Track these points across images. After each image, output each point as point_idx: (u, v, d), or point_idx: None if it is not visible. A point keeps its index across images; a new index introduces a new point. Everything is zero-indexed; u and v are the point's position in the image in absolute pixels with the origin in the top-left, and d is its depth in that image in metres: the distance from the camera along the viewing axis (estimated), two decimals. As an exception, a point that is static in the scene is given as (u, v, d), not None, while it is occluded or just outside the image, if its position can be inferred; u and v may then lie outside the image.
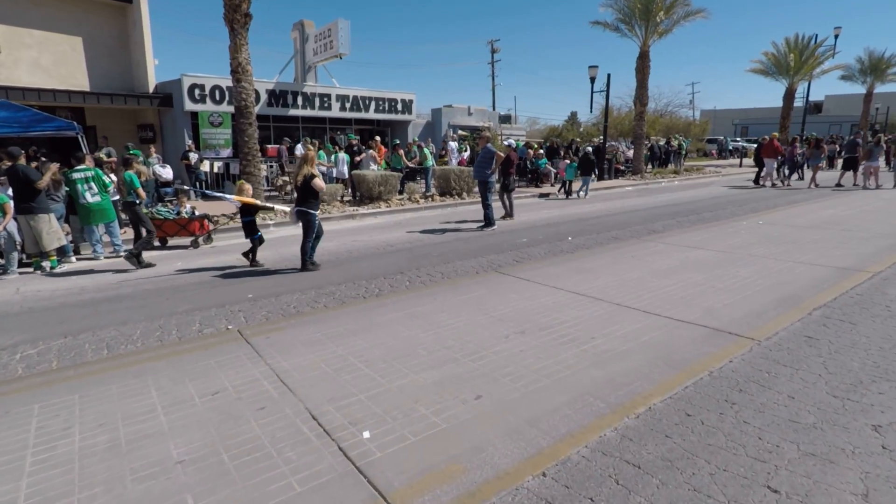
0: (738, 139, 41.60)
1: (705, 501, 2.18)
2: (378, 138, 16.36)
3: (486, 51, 41.80)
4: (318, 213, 6.75)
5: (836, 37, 27.47)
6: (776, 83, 27.51)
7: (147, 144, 15.23)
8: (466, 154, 18.78)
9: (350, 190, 14.17)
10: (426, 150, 15.86)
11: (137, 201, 7.75)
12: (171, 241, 9.11)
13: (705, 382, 3.22)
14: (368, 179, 13.04)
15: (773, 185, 16.20)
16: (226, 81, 15.83)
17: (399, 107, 20.96)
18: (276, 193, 14.81)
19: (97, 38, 16.75)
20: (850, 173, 15.45)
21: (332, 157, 14.68)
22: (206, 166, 15.68)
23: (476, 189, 15.10)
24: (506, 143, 11.94)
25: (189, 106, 16.11)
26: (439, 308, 4.88)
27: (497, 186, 10.66)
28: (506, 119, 25.23)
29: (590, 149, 15.86)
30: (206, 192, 8.39)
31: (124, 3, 16.88)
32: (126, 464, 2.58)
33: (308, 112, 18.78)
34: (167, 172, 13.83)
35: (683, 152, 24.09)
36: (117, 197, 10.19)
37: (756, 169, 17.52)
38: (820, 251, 6.81)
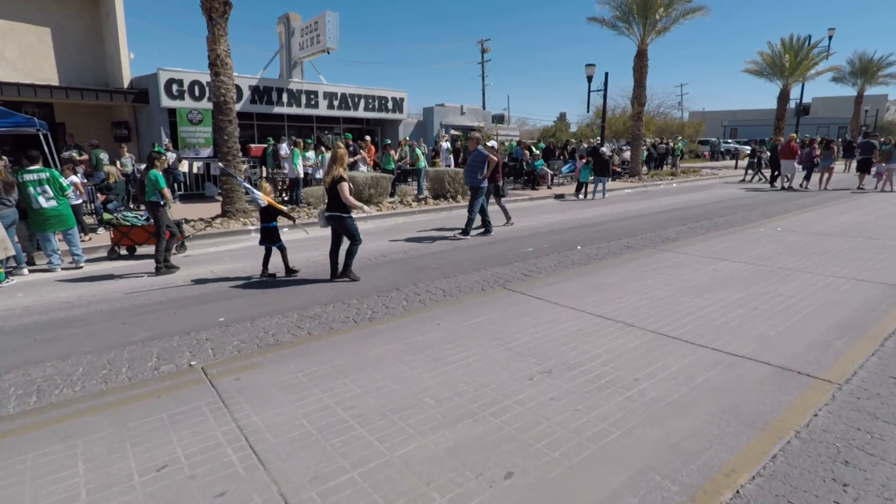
0: (728, 141, 41.43)
1: None
2: (368, 138, 15.56)
3: (476, 51, 41.11)
4: (352, 214, 6.05)
5: (831, 38, 27.32)
6: (764, 85, 27.45)
7: (121, 143, 14.23)
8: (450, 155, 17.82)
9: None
10: (418, 151, 15.10)
11: (162, 202, 6.97)
12: (141, 250, 8.24)
13: (797, 450, 2.52)
14: (358, 181, 12.23)
15: (788, 188, 15.69)
16: (206, 77, 14.91)
17: (389, 105, 20.17)
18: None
19: (67, 29, 15.71)
20: (857, 175, 15.05)
21: (320, 157, 13.87)
22: (184, 167, 14.72)
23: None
24: (489, 144, 10.17)
25: (166, 102, 15.16)
26: (445, 337, 4.14)
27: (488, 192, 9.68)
28: (499, 119, 24.57)
29: (605, 150, 15.34)
30: (246, 185, 7.60)
31: (96, -9, 15.88)
32: None
33: (294, 110, 17.91)
34: None
35: (679, 154, 23.63)
36: (79, 201, 9.30)
37: (759, 171, 17.03)
38: (858, 264, 6.19)
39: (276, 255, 6.50)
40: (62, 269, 7.31)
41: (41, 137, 10.45)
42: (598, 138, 20.80)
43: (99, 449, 2.72)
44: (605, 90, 18.07)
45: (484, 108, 31.81)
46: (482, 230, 9.08)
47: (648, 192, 16.31)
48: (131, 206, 11.53)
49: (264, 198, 6.36)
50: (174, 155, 14.14)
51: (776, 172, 16.29)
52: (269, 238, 6.38)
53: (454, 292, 5.52)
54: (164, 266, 6.90)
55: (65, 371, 3.79)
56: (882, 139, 20.29)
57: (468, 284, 5.83)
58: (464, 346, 3.92)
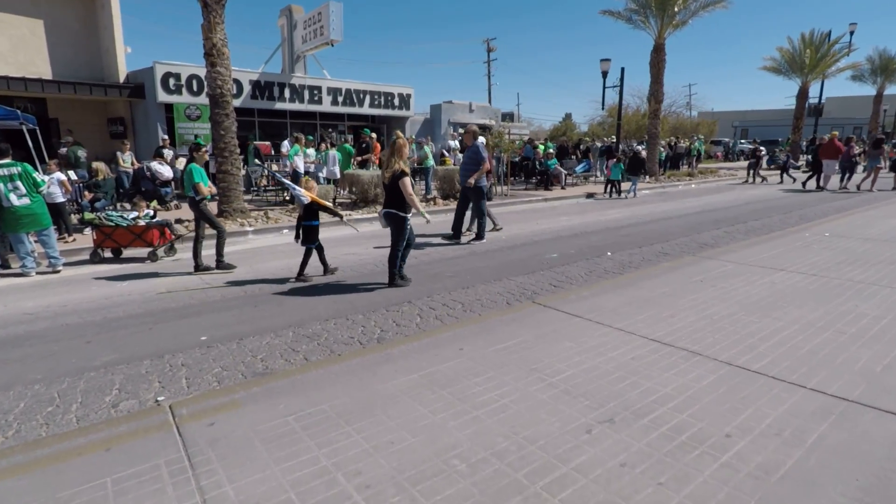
0: (743, 141, 40.46)
1: None
2: (374, 135, 14.83)
3: (482, 51, 40.42)
4: (410, 215, 5.47)
5: (852, 33, 26.39)
6: (776, 85, 26.80)
7: (123, 140, 13.58)
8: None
9: (343, 192, 12.66)
10: (426, 149, 14.35)
11: (198, 198, 6.37)
12: (128, 252, 7.54)
13: None
14: (363, 180, 11.53)
15: (821, 189, 14.79)
16: (204, 70, 14.20)
17: (396, 101, 19.44)
18: (259, 196, 13.24)
19: (61, 21, 15.05)
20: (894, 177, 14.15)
21: (323, 154, 13.15)
22: (181, 164, 14.02)
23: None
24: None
25: (163, 97, 14.49)
26: (470, 366, 3.38)
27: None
28: (508, 117, 23.79)
29: (639, 148, 14.79)
30: (286, 182, 7.05)
31: (91, -18, 15.25)
32: None
33: (297, 106, 17.20)
34: (166, 171, 12.22)
35: (695, 153, 22.78)
36: (64, 199, 8.61)
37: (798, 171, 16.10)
38: (936, 274, 5.40)
39: (243, 262, 5.81)
40: (37, 273, 6.62)
41: (25, 132, 9.80)
42: (613, 137, 19.98)
43: (8, 539, 1.98)
44: (622, 86, 17.26)
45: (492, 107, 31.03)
46: (474, 237, 8.20)
47: (668, 194, 15.49)
48: (125, 204, 10.83)
49: (307, 194, 5.83)
50: (171, 152, 13.45)
51: (815, 174, 15.32)
52: (311, 237, 5.91)
53: (475, 306, 4.77)
54: (226, 264, 6.50)
55: (2, 409, 3.06)
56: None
57: (490, 297, 5.07)
58: (495, 381, 3.16)
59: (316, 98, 17.47)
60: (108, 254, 7.45)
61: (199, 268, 6.48)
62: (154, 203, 11.51)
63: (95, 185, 9.66)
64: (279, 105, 16.77)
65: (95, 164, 10.06)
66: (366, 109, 18.88)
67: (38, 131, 10.01)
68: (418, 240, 8.15)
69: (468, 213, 8.36)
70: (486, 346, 3.71)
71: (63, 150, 12.28)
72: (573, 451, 2.41)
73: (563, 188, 15.98)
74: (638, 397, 2.90)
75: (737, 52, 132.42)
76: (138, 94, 15.04)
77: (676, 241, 7.68)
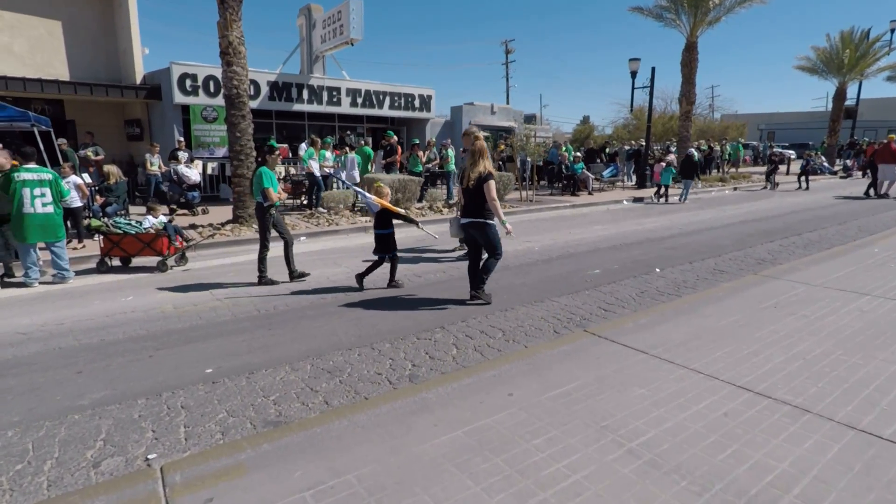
0: (773, 145, 39.03)
1: None
2: (395, 137, 14.32)
3: (500, 53, 39.80)
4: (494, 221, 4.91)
5: (893, 31, 25.15)
6: (804, 87, 25.43)
7: (153, 143, 13.30)
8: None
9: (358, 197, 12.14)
10: (449, 152, 13.80)
11: (266, 203, 5.85)
12: (137, 261, 7.11)
13: None
14: (384, 184, 10.97)
15: (870, 195, 13.80)
16: (220, 71, 13.86)
17: (416, 103, 18.90)
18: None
19: (78, 22, 14.84)
20: None
21: (342, 157, 12.68)
22: (198, 167, 13.68)
23: (508, 197, 13.01)
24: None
25: (179, 98, 14.15)
26: (524, 420, 2.77)
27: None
28: (530, 119, 23.11)
29: (693, 151, 14.19)
30: (357, 189, 6.62)
31: (109, -18, 15.02)
32: None
33: (315, 108, 16.76)
34: (193, 174, 11.87)
35: (728, 158, 21.81)
36: (79, 204, 8.24)
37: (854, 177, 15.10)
38: None
39: (246, 274, 5.30)
40: (40, 283, 6.20)
41: (37, 134, 9.47)
42: (641, 140, 19.17)
43: None
44: (651, 87, 16.47)
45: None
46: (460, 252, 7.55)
47: (703, 200, 14.66)
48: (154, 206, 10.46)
49: (378, 201, 5.45)
50: (186, 154, 13.10)
51: (873, 179, 14.31)
52: (386, 247, 5.45)
53: (518, 335, 4.16)
54: (297, 273, 6.11)
55: (-36, 466, 2.55)
56: None
57: (533, 322, 4.45)
58: (560, 444, 2.54)
59: (335, 99, 17.03)
60: (116, 262, 7.04)
61: (293, 275, 6.09)
62: (175, 208, 11.15)
63: (107, 189, 9.29)
64: (297, 107, 16.35)
65: (107, 168, 9.68)
66: (385, 111, 18.38)
67: (52, 133, 9.70)
68: (441, 255, 7.54)
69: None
70: (541, 392, 3.09)
71: (82, 153, 12.02)
72: (686, 568, 1.78)
73: (590, 193, 15.27)
74: (749, 477, 2.26)
75: (761, 53, 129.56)
76: (155, 95, 14.74)
77: (729, 256, 6.97)
